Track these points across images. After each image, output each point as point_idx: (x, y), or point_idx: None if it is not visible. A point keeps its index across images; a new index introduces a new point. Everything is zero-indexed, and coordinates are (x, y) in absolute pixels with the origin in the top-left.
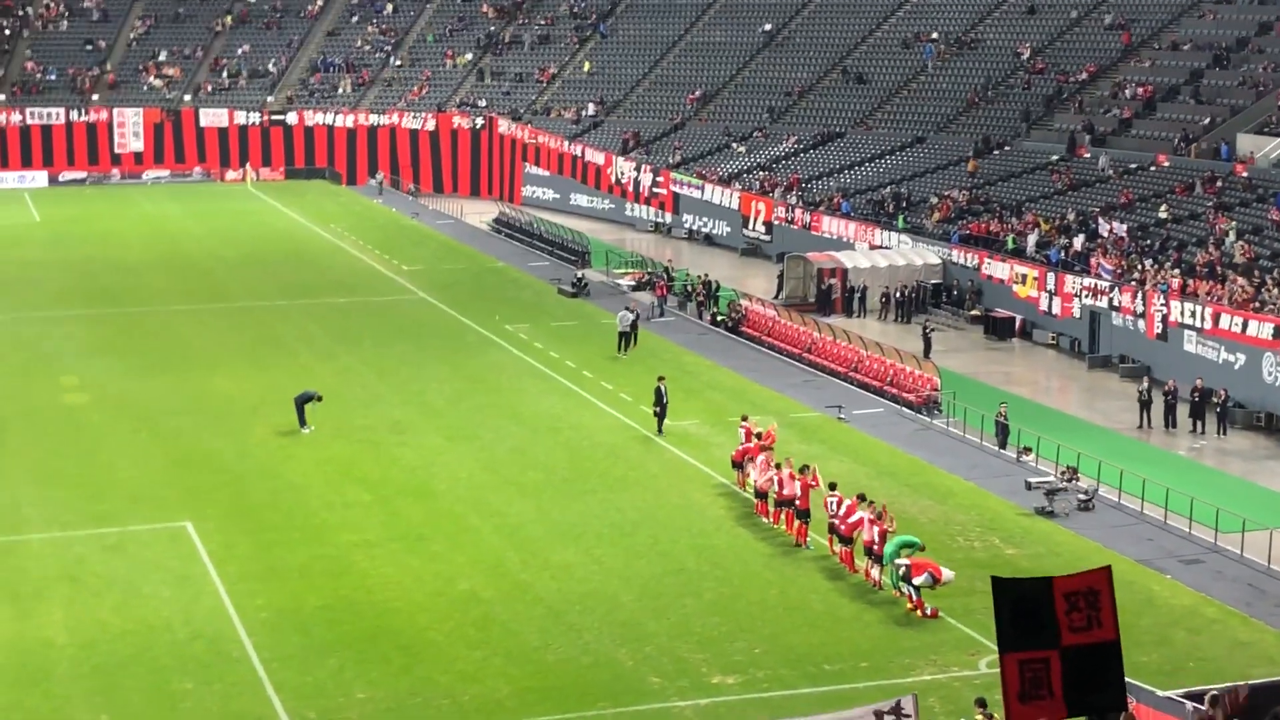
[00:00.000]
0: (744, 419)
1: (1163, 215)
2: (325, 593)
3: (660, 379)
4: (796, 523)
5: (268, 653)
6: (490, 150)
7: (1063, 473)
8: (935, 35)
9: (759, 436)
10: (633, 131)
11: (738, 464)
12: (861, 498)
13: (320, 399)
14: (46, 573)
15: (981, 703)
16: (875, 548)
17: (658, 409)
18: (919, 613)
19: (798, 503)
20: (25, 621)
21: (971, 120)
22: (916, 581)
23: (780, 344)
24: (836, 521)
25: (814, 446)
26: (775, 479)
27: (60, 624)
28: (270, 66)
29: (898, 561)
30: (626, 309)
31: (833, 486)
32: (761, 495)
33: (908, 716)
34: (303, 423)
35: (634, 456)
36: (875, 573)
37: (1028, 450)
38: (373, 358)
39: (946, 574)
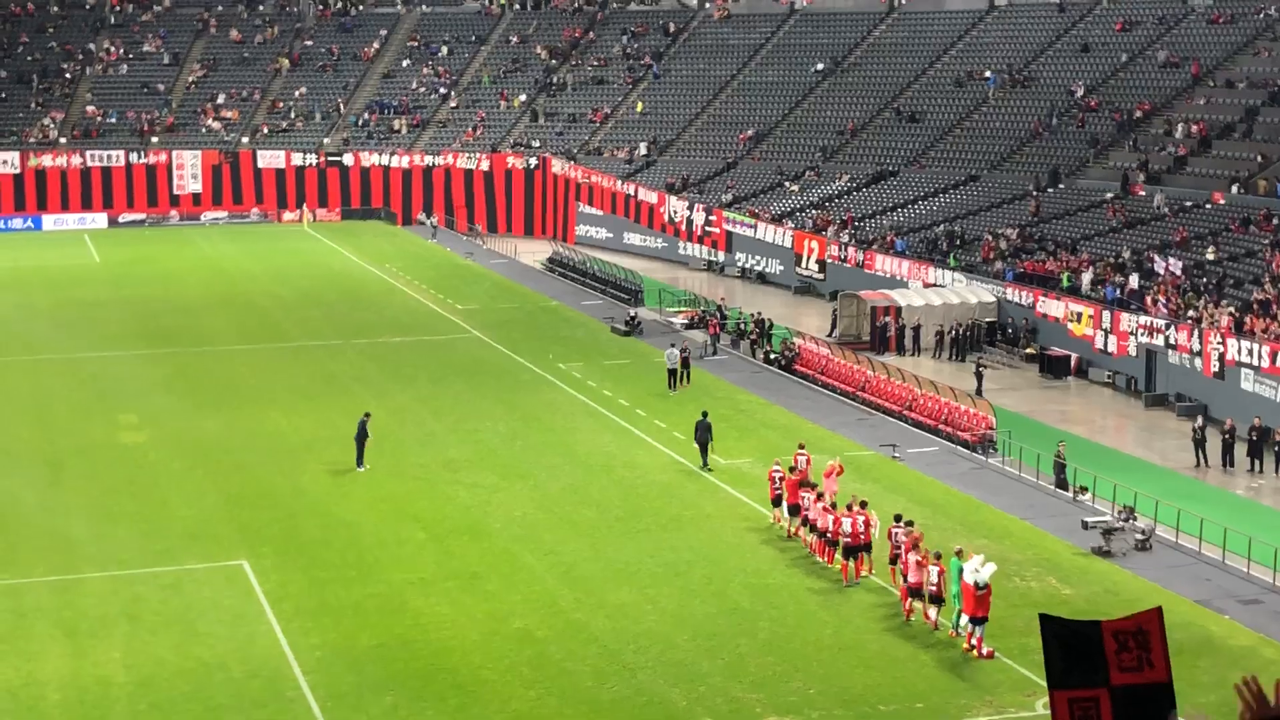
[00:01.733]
0: (801, 447)
1: (1210, 256)
2: (379, 631)
3: (704, 413)
4: (852, 561)
5: (322, 691)
6: (544, 190)
7: (1120, 512)
8: (988, 74)
9: (791, 470)
10: (680, 175)
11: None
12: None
13: (369, 416)
14: (105, 611)
15: None
16: (933, 589)
17: (700, 442)
18: (976, 653)
19: (859, 539)
20: (83, 659)
21: (1025, 158)
22: (962, 621)
23: (834, 382)
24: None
25: (868, 485)
26: (835, 519)
27: (118, 662)
28: (327, 108)
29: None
30: (673, 346)
31: (898, 519)
32: (822, 535)
33: None
34: (360, 461)
35: (688, 495)
36: (933, 613)
37: (1084, 489)
38: (427, 396)
39: (985, 570)
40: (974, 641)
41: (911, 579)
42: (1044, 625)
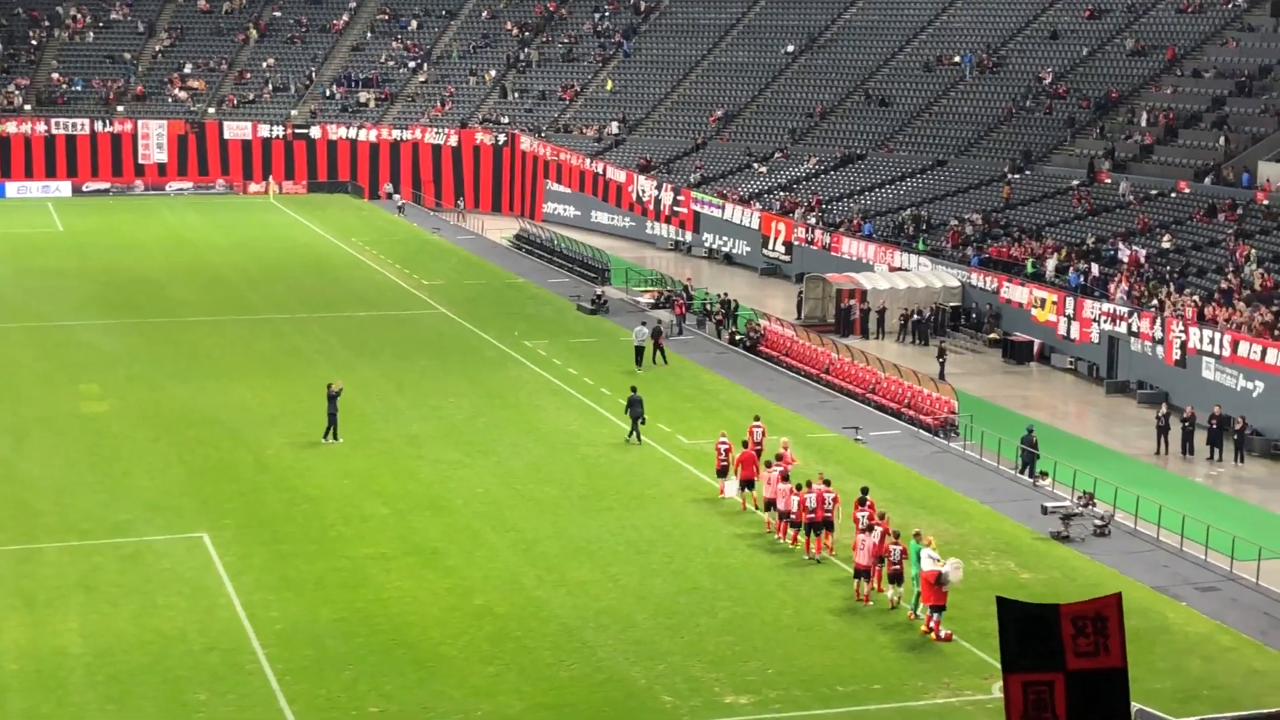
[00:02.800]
0: (756, 419)
1: (1165, 245)
2: (340, 605)
3: (634, 388)
4: (815, 537)
5: (281, 665)
6: (512, 167)
7: (1079, 498)
8: (959, 57)
9: (745, 445)
10: (649, 156)
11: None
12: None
13: (331, 386)
14: (63, 581)
15: None
16: (895, 567)
17: (633, 416)
18: (934, 636)
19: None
20: (41, 629)
21: (993, 144)
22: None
23: (798, 364)
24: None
25: (831, 467)
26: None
27: (76, 632)
28: (295, 80)
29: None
30: (643, 324)
31: (865, 491)
32: (784, 515)
33: None
34: (330, 433)
35: (650, 474)
36: (891, 592)
37: (1045, 475)
38: (392, 371)
39: (949, 571)
40: (933, 625)
41: (860, 560)
42: (1000, 608)
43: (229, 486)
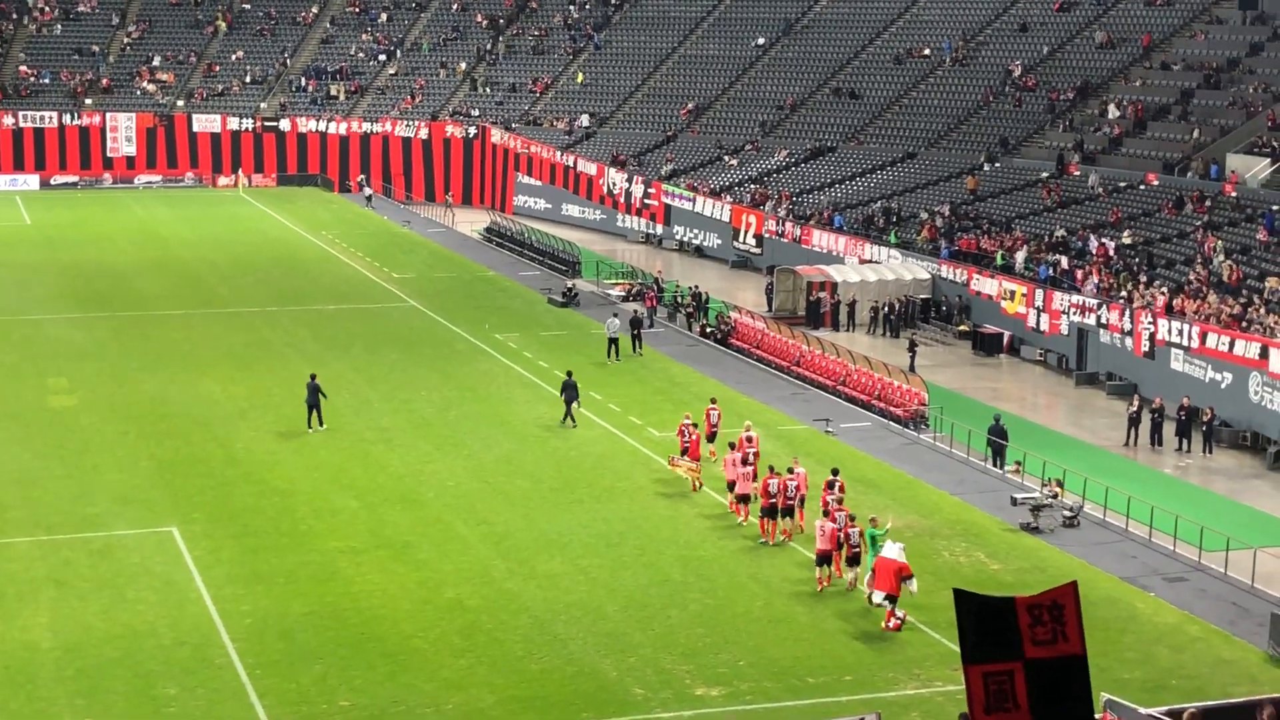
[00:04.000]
0: (713, 401)
1: (1126, 240)
2: (310, 599)
3: (569, 373)
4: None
5: (252, 659)
6: (483, 160)
7: (1045, 485)
8: (927, 52)
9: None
10: (620, 150)
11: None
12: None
13: (315, 382)
14: (32, 575)
15: (965, 718)
16: (855, 550)
17: (566, 400)
18: (885, 624)
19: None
20: (9, 624)
21: (962, 136)
22: (876, 598)
23: (769, 356)
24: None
25: (801, 460)
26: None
27: (45, 627)
28: (264, 73)
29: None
30: (614, 316)
31: (835, 473)
32: (741, 498)
33: None
34: (311, 423)
35: (621, 467)
36: (850, 575)
37: (1019, 465)
38: (362, 364)
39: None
40: (895, 619)
41: (820, 546)
42: (958, 600)
43: (199, 480)
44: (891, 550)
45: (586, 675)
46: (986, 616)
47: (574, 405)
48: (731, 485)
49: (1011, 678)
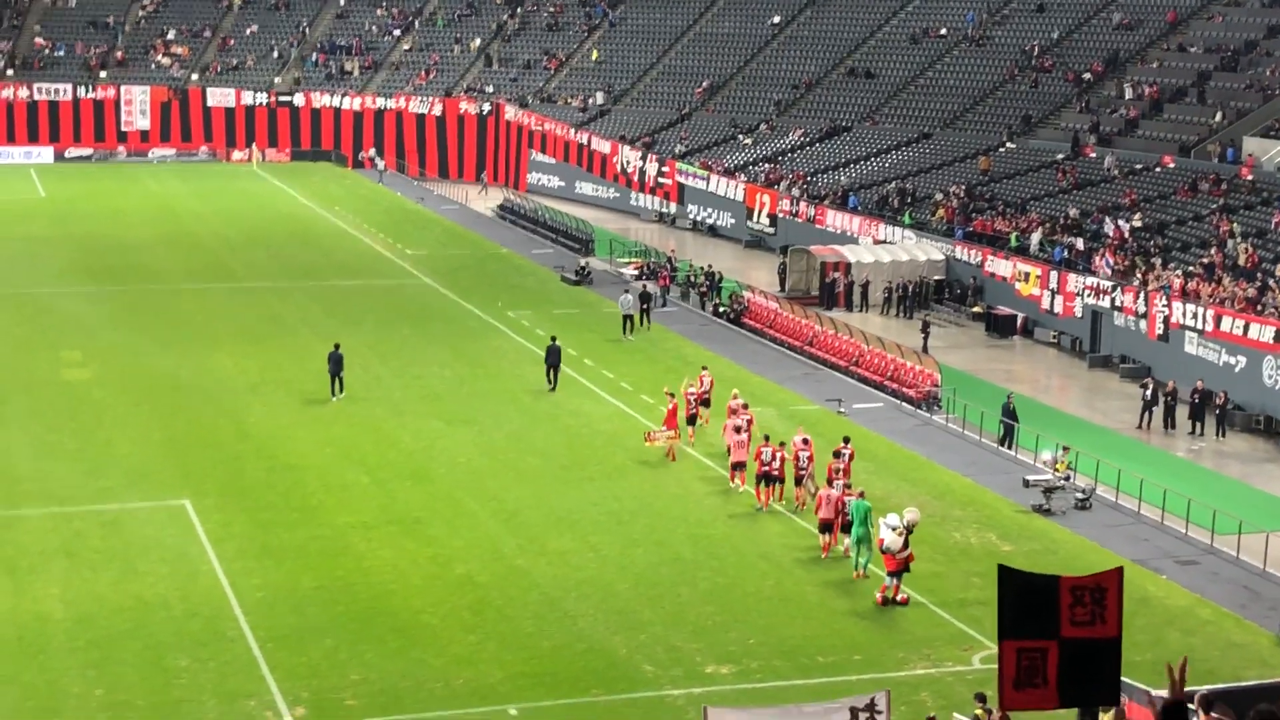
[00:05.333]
0: (704, 369)
1: (1136, 224)
2: (321, 573)
3: (553, 338)
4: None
5: (263, 632)
6: (496, 137)
7: (1059, 454)
8: (944, 31)
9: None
10: (635, 128)
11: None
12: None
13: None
14: (44, 547)
15: (981, 698)
16: (848, 518)
17: (550, 365)
18: (887, 599)
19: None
20: (22, 595)
21: (977, 117)
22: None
23: (782, 336)
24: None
25: (813, 440)
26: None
27: (57, 598)
28: (278, 48)
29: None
30: (627, 292)
31: (846, 441)
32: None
33: (880, 713)
34: (336, 391)
35: (633, 445)
36: (847, 541)
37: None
38: (374, 340)
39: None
40: (896, 596)
41: (823, 514)
42: (1002, 576)
43: (211, 454)
44: (884, 530)
45: (596, 652)
46: (1028, 594)
47: (557, 370)
48: (729, 450)
49: (1045, 655)
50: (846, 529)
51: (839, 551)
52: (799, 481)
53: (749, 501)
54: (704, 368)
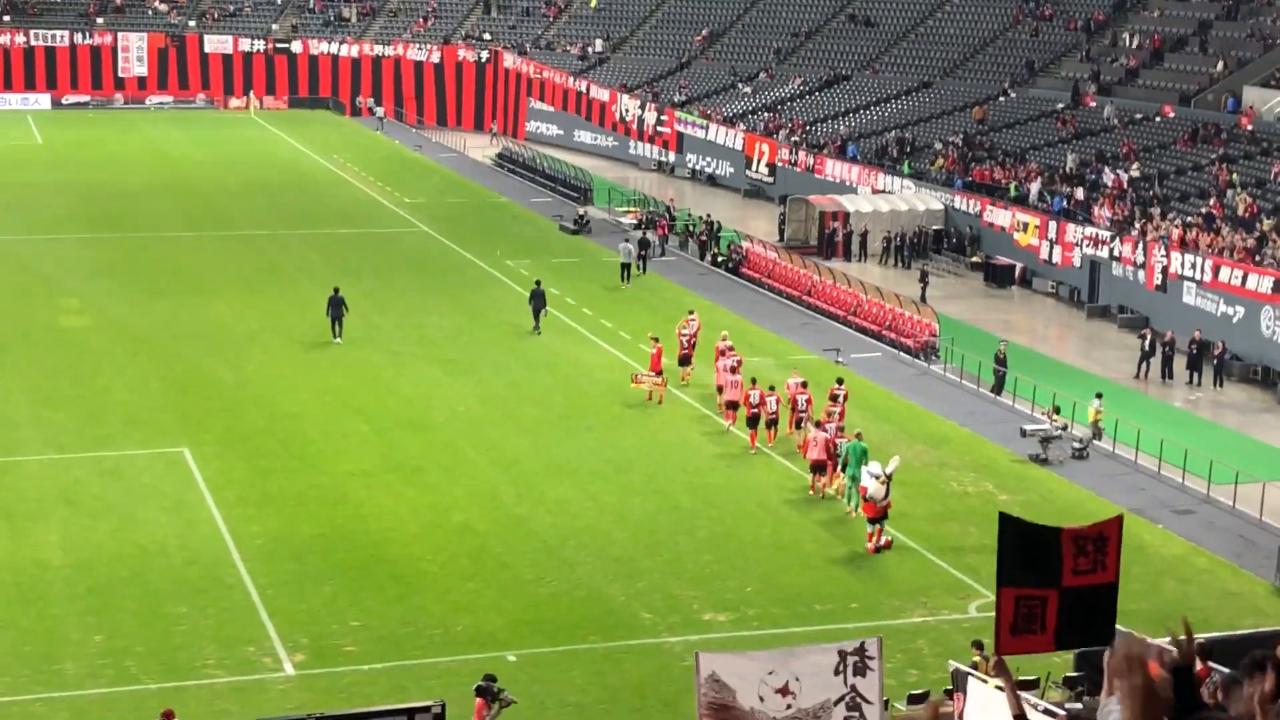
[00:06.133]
0: (690, 313)
1: (1134, 174)
2: (321, 521)
3: (538, 282)
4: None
5: (262, 579)
6: (495, 84)
7: (1051, 412)
8: None
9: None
10: (621, 84)
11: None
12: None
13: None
14: (43, 494)
15: (979, 645)
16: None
17: (535, 309)
18: (873, 547)
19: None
20: (20, 542)
21: (978, 66)
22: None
23: (780, 286)
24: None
25: (811, 389)
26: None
27: (56, 545)
28: None
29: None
30: (626, 241)
31: (840, 383)
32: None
33: (871, 659)
34: (335, 332)
35: (631, 394)
36: (838, 482)
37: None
38: (373, 289)
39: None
40: (880, 541)
41: (814, 455)
42: (1002, 524)
43: (209, 402)
44: (867, 478)
45: (594, 600)
46: (1029, 544)
47: (542, 313)
48: (720, 390)
49: (1044, 603)
50: (845, 468)
51: (832, 493)
52: (798, 425)
53: (745, 445)
54: (690, 311)
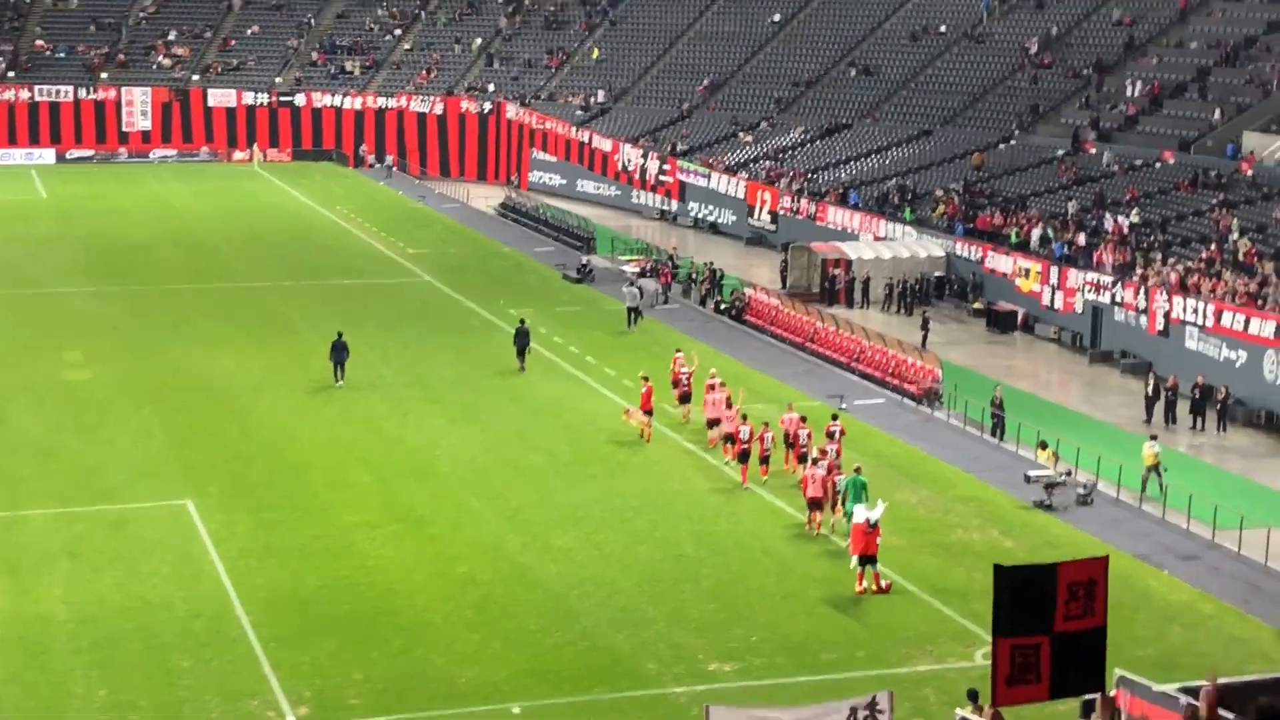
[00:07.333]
0: (678, 350)
1: (1134, 219)
2: (324, 573)
3: (522, 320)
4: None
5: (266, 631)
6: (498, 135)
7: (1054, 466)
8: (944, 28)
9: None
10: (636, 125)
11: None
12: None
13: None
14: (47, 548)
15: (973, 695)
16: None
17: (519, 347)
18: (872, 590)
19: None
20: (25, 596)
21: (978, 114)
22: (852, 563)
23: (783, 333)
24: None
25: (814, 435)
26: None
27: (60, 599)
28: (279, 48)
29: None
30: (630, 284)
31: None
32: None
33: (882, 713)
34: (337, 376)
35: (635, 442)
36: (833, 519)
37: (1044, 446)
38: (376, 340)
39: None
40: (870, 584)
41: (811, 493)
42: (998, 575)
43: (214, 454)
44: (859, 513)
45: (600, 650)
46: (1025, 590)
47: (526, 351)
48: (711, 423)
49: (1038, 651)
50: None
51: (826, 532)
52: (802, 459)
53: (752, 497)
54: (678, 349)
